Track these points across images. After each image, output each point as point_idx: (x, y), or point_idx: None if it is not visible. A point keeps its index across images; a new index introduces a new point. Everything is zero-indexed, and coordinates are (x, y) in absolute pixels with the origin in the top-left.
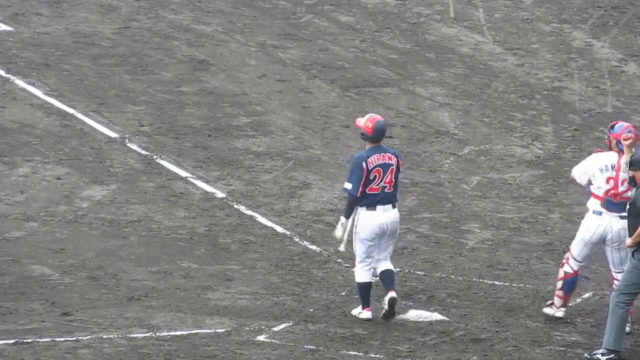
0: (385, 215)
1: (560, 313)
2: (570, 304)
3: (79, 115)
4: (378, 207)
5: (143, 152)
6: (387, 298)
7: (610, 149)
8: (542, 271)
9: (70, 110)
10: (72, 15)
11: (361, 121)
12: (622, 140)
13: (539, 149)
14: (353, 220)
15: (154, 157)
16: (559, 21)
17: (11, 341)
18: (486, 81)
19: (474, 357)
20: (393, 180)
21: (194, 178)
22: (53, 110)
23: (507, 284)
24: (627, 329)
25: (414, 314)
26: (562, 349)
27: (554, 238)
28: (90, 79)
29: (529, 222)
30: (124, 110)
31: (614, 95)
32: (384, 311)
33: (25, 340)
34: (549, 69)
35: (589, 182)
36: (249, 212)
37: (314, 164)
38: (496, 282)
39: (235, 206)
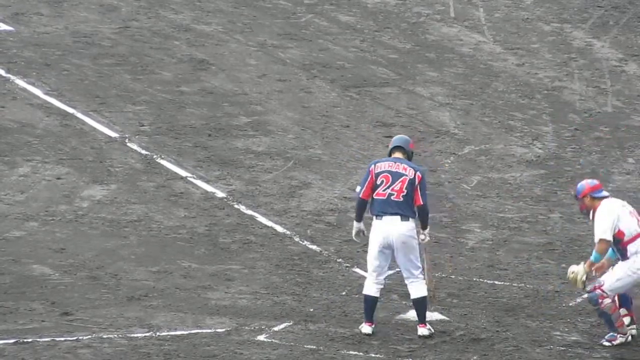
0: (391, 228)
1: (634, 331)
2: (570, 304)
3: (79, 115)
4: (384, 217)
5: (143, 151)
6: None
7: (592, 210)
8: (542, 271)
9: (70, 110)
10: (72, 15)
11: None
12: None
13: (539, 148)
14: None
15: (154, 156)
16: (559, 21)
17: (11, 341)
18: (486, 81)
19: (474, 357)
20: (404, 190)
21: (194, 178)
22: (53, 110)
23: (507, 283)
24: (634, 331)
25: (414, 314)
26: (562, 348)
27: (554, 238)
28: (90, 78)
29: (529, 221)
30: (124, 110)
31: (614, 95)
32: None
33: (25, 340)
34: (549, 69)
35: (618, 232)
36: (249, 212)
37: (314, 164)
38: (496, 282)
39: (236, 206)
